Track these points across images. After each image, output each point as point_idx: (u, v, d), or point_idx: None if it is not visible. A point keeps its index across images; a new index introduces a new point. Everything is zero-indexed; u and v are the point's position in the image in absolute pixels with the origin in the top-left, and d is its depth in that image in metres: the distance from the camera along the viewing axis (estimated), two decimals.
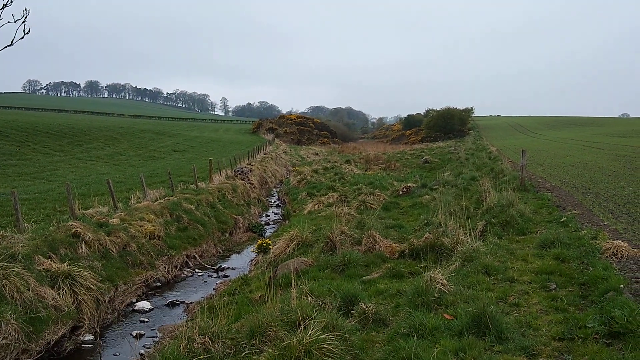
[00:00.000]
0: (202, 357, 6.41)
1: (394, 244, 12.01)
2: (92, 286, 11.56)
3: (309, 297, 8.00)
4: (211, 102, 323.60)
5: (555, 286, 8.02)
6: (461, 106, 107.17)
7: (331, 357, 5.85)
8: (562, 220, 12.94)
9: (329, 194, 25.07)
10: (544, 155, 36.61)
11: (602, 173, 22.18)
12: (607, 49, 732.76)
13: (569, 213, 13.73)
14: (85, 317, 10.98)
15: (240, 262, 17.33)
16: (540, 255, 9.93)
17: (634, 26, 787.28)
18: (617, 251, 9.25)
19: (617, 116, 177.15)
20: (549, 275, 8.57)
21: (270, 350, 6.05)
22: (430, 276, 8.10)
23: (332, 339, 6.05)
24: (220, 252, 18.77)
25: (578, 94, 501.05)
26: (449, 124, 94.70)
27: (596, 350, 5.64)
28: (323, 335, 6.01)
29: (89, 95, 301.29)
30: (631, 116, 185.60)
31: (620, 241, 9.76)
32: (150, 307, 12.81)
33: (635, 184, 17.93)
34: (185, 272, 15.98)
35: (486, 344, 6.06)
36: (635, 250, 9.37)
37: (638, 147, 37.03)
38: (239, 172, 32.21)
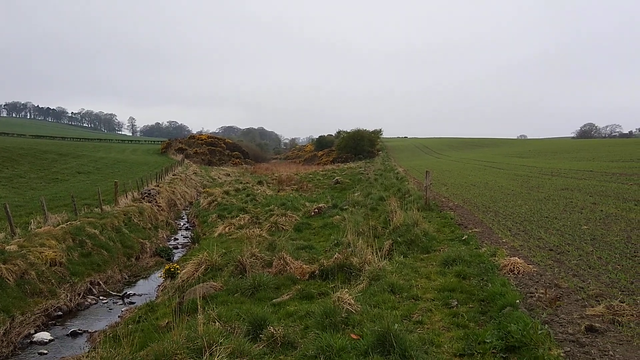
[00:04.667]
0: None
1: (304, 265, 12.06)
2: None
3: (217, 323, 7.85)
4: (118, 122, 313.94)
5: (456, 303, 8.32)
6: (370, 128, 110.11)
7: None
8: (463, 238, 13.49)
9: (241, 215, 24.84)
10: (448, 175, 38.15)
11: (502, 192, 23.37)
12: (502, 74, 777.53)
13: (470, 231, 14.35)
14: None
15: (147, 288, 16.76)
16: (443, 272, 10.30)
17: (524, 55, 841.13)
18: (514, 267, 9.75)
19: (515, 137, 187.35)
20: (451, 292, 8.89)
21: None
22: (338, 296, 8.18)
23: None
24: (126, 278, 18.07)
25: (479, 116, 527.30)
26: (359, 145, 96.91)
27: None
28: None
29: None
30: (528, 137, 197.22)
31: (517, 258, 10.30)
32: (50, 337, 12.11)
33: (531, 202, 19.01)
34: (89, 300, 15.25)
35: None
36: (530, 266, 9.91)
37: (534, 166, 39.39)
38: (146, 194, 31.28)
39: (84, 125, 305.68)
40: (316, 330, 7.47)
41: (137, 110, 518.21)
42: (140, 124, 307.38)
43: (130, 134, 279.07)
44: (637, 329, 6.49)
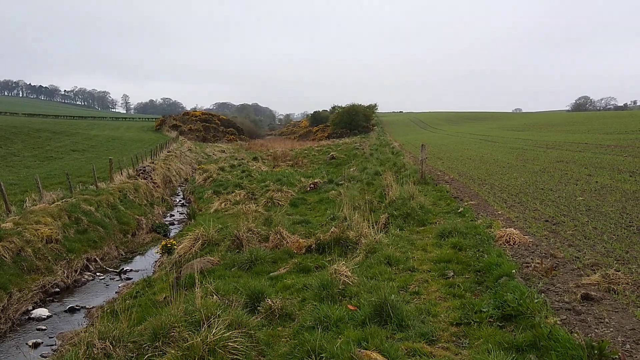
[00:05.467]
0: None
1: (301, 240, 12.08)
2: None
3: (215, 296, 7.87)
4: (112, 100, 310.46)
5: (452, 274, 8.37)
6: (365, 102, 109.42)
7: (236, 355, 5.78)
8: (459, 210, 13.53)
9: (236, 191, 24.80)
10: (444, 149, 38.14)
11: (497, 165, 23.40)
12: (496, 45, 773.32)
13: (466, 204, 14.39)
14: None
15: (144, 263, 16.81)
16: (439, 244, 10.35)
17: (515, 23, 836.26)
18: (509, 238, 9.80)
19: (510, 111, 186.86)
20: (447, 263, 8.95)
21: (173, 351, 5.88)
22: (335, 269, 8.22)
23: (237, 337, 5.97)
24: (122, 255, 18.11)
25: (474, 90, 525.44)
26: (354, 120, 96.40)
27: (490, 333, 5.93)
28: (227, 333, 5.92)
29: None
30: (523, 111, 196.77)
31: (512, 229, 10.36)
32: (48, 314, 12.16)
33: (527, 174, 19.05)
34: (86, 276, 15.28)
35: (388, 332, 6.21)
36: (526, 237, 9.96)
37: (529, 139, 39.38)
38: (141, 171, 31.19)
39: (77, 103, 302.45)
40: (313, 302, 7.52)
41: (130, 87, 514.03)
42: (134, 102, 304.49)
43: (124, 112, 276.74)
44: (632, 296, 6.54)
